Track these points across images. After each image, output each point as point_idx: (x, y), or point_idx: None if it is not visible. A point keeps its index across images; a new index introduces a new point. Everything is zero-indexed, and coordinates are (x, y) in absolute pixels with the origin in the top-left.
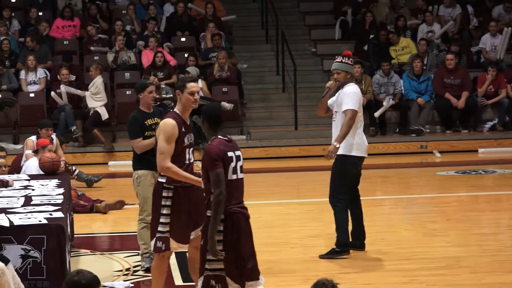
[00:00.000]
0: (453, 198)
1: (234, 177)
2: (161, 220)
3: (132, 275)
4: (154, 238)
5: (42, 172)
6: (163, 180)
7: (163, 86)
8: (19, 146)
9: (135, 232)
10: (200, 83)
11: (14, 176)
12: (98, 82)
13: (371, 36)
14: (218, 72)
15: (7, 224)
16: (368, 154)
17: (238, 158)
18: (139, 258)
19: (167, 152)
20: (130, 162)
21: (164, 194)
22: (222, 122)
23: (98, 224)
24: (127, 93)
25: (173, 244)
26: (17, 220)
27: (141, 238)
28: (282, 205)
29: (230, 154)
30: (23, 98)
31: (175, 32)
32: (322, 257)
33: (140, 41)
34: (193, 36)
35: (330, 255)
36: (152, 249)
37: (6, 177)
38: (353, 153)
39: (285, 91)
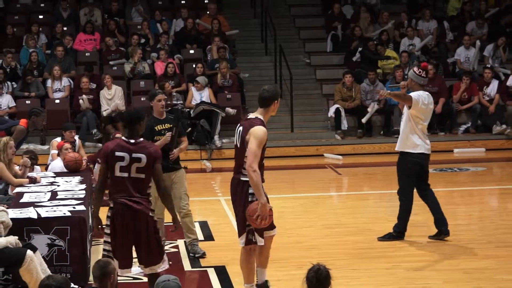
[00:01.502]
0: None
1: (121, 175)
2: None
3: None
4: (245, 233)
5: (66, 170)
6: (247, 179)
7: (174, 94)
8: (46, 147)
9: None
10: (207, 91)
11: (42, 174)
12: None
13: (360, 48)
14: (221, 81)
15: (35, 216)
16: (356, 154)
17: (133, 160)
18: None
19: (258, 155)
20: None
21: (250, 191)
22: (130, 126)
23: None
24: (142, 99)
25: (259, 237)
26: (44, 212)
27: None
28: (279, 199)
29: (119, 154)
30: (50, 104)
31: (185, 45)
32: (380, 239)
33: (153, 53)
34: (201, 48)
35: (387, 238)
36: (243, 244)
37: (34, 174)
38: (415, 151)
39: (282, 98)
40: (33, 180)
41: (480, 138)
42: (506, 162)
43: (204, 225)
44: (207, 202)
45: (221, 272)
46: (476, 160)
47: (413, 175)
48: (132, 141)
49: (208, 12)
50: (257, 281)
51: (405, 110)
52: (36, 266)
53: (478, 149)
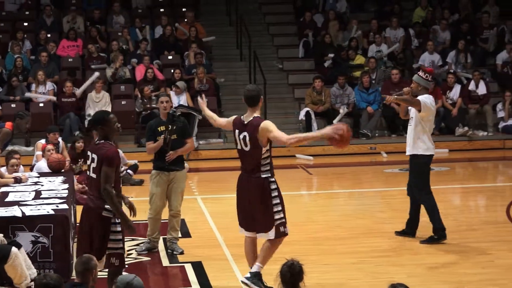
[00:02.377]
0: (397, 192)
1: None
2: (275, 209)
3: (126, 257)
4: (274, 226)
5: (50, 171)
6: (268, 175)
7: (154, 97)
8: (30, 148)
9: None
10: (185, 95)
11: (27, 174)
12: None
13: (331, 55)
14: (198, 85)
15: (19, 214)
16: (326, 155)
17: (92, 160)
18: (133, 243)
19: (281, 132)
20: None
21: (272, 186)
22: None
23: None
24: (123, 103)
25: (288, 229)
26: (28, 211)
27: (149, 225)
28: None
29: (89, 154)
30: (34, 107)
31: (163, 51)
32: (422, 242)
33: (133, 59)
34: (179, 54)
35: (430, 241)
36: (273, 236)
37: (20, 174)
38: (426, 153)
39: None
40: (18, 180)
41: (443, 140)
42: (468, 162)
43: (181, 223)
44: (184, 201)
45: (198, 267)
46: (440, 160)
47: (428, 177)
48: (97, 142)
49: (185, 20)
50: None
51: (414, 114)
52: (20, 262)
53: (441, 150)
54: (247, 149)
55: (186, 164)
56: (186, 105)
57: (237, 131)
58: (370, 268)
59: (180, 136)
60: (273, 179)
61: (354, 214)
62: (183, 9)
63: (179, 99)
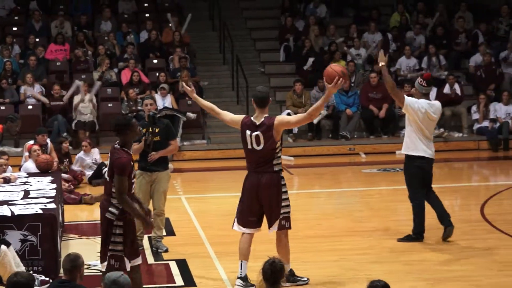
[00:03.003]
0: (375, 191)
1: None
2: (283, 204)
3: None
4: (278, 220)
5: (38, 171)
6: (280, 169)
7: (139, 100)
8: (19, 149)
9: None
10: (169, 97)
11: (16, 174)
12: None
13: (311, 58)
14: (182, 88)
15: (8, 213)
16: (306, 156)
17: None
18: None
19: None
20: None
21: (283, 182)
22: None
23: (85, 213)
24: (109, 105)
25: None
26: (17, 210)
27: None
28: (236, 197)
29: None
30: (23, 109)
31: (149, 55)
32: (399, 240)
33: (120, 63)
34: (163, 58)
35: (407, 240)
36: (276, 229)
37: (8, 174)
38: (416, 154)
39: (239, 104)
40: (7, 180)
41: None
42: (444, 163)
43: (166, 222)
44: (169, 200)
45: (182, 264)
46: None
47: (417, 177)
48: (116, 146)
49: (170, 25)
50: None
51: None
52: (10, 260)
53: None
54: (259, 147)
55: (170, 165)
56: (171, 107)
57: (248, 131)
58: (349, 265)
59: (164, 137)
60: (282, 174)
61: (333, 213)
62: (168, 14)
63: (164, 101)
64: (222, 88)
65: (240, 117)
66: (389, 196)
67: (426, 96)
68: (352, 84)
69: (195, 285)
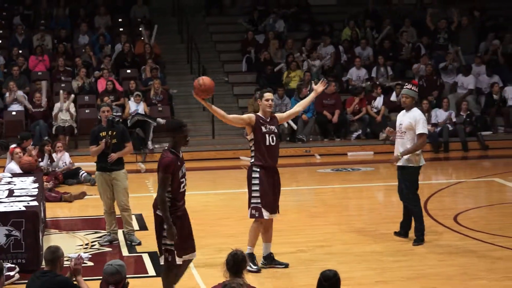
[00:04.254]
0: (329, 189)
1: None
2: (253, 194)
3: (90, 248)
4: (249, 208)
5: (19, 171)
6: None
7: (114, 106)
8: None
9: (93, 216)
10: (142, 104)
11: (0, 174)
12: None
13: (283, 64)
14: (153, 96)
15: None
16: None
17: None
18: (96, 235)
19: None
20: (90, 163)
21: (253, 175)
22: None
23: (65, 210)
24: (86, 111)
25: (265, 213)
26: (2, 207)
27: (105, 219)
28: (203, 195)
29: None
30: (7, 115)
31: (123, 66)
32: (415, 243)
33: (96, 72)
34: (136, 68)
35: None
36: (249, 216)
37: None
38: (420, 164)
39: (205, 110)
40: None
41: (369, 144)
42: (391, 163)
43: (139, 217)
44: (141, 198)
45: (154, 257)
46: (366, 161)
47: (417, 183)
48: (165, 148)
49: (142, 38)
50: (263, 254)
51: (407, 129)
52: None
53: (367, 152)
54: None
55: (142, 165)
56: (143, 113)
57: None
58: (305, 256)
59: (120, 140)
60: (255, 167)
61: (291, 209)
62: (140, 29)
63: (137, 107)
64: (190, 95)
65: (250, 115)
66: (341, 193)
67: (417, 103)
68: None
69: None
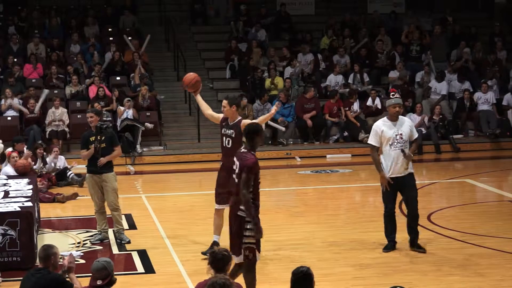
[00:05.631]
0: (309, 190)
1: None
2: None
3: (82, 247)
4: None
5: (16, 174)
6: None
7: (105, 112)
8: None
9: (85, 216)
10: (131, 110)
11: None
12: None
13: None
14: (142, 101)
15: None
16: None
17: (236, 166)
18: (87, 234)
19: None
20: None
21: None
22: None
23: (58, 211)
24: (78, 117)
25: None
26: None
27: (96, 219)
28: (190, 195)
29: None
30: (3, 120)
31: (113, 73)
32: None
33: (87, 79)
34: (126, 75)
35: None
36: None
37: None
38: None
39: (191, 115)
40: None
41: (347, 146)
42: (368, 165)
43: (129, 217)
44: (131, 199)
45: (143, 255)
46: (344, 163)
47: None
48: (243, 150)
49: (130, 47)
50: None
51: (407, 137)
52: None
53: (345, 155)
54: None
55: (132, 168)
56: (132, 118)
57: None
58: (285, 253)
59: (108, 144)
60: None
61: (273, 209)
62: (129, 38)
63: (127, 113)
64: (177, 101)
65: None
66: (321, 194)
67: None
68: (289, 97)
69: (154, 272)
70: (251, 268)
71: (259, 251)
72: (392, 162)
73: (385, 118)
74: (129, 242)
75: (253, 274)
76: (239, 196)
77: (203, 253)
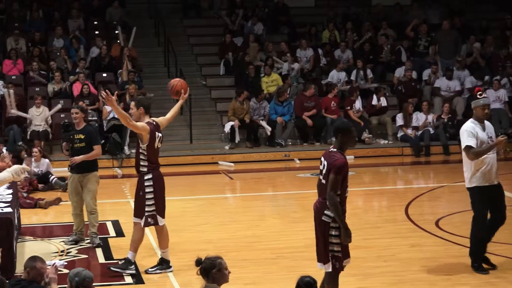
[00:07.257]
0: (309, 194)
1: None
2: (147, 202)
3: (65, 255)
4: (144, 217)
5: None
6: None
7: (90, 111)
8: None
9: (69, 222)
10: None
11: None
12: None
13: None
14: (129, 99)
15: None
16: (245, 162)
17: (323, 166)
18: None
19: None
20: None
21: (146, 183)
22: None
23: (40, 217)
24: (61, 116)
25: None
26: None
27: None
28: (181, 200)
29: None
30: None
31: (99, 69)
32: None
33: (71, 76)
34: (112, 72)
35: None
36: (142, 225)
37: None
38: None
39: (183, 114)
40: None
41: (349, 148)
42: (371, 167)
43: (116, 223)
44: (118, 204)
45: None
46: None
47: None
48: (332, 150)
49: (118, 41)
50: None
51: None
52: None
53: (348, 156)
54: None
55: (119, 171)
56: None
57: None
58: (285, 262)
59: (88, 143)
60: (148, 175)
61: (270, 215)
62: (116, 31)
63: (113, 112)
64: (167, 99)
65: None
66: None
67: None
68: (288, 95)
69: (143, 283)
70: (335, 277)
71: (345, 258)
72: (493, 167)
73: (472, 119)
74: (99, 245)
75: (335, 284)
76: (324, 199)
77: (146, 272)
